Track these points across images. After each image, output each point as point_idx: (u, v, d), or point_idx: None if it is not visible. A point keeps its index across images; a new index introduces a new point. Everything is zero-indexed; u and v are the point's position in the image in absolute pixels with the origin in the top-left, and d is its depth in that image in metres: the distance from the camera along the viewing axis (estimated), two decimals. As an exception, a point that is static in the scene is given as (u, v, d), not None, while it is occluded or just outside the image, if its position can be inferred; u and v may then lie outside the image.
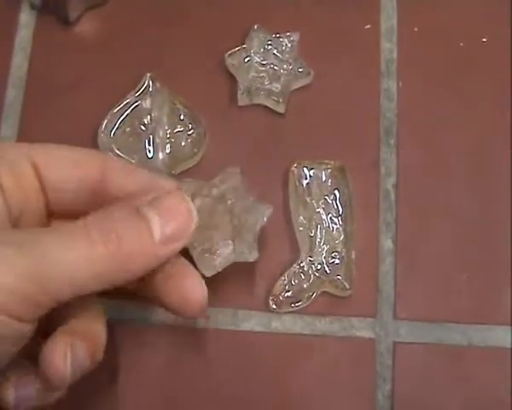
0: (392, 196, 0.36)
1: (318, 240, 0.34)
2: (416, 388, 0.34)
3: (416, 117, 0.37)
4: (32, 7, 0.38)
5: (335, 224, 0.34)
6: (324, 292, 0.34)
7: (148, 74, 0.36)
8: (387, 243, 0.35)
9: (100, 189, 0.27)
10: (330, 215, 0.35)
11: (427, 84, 0.38)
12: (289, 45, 0.37)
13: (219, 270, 0.31)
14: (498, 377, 0.34)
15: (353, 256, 0.34)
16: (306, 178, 0.35)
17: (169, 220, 0.25)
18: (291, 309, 0.34)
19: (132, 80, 0.36)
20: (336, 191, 0.35)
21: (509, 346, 0.34)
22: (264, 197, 0.33)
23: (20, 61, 0.38)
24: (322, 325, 0.34)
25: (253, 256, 0.32)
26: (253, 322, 0.34)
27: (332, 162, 0.35)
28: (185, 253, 0.29)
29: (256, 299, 0.34)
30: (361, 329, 0.34)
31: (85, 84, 0.37)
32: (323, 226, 0.34)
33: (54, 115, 0.37)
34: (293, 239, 0.35)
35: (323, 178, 0.35)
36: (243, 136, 0.37)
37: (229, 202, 0.32)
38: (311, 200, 0.35)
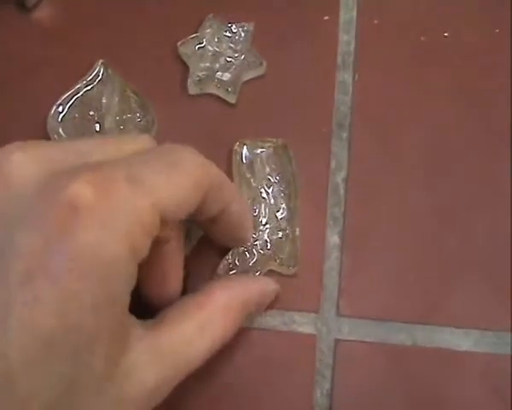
0: (342, 191, 0.35)
1: (262, 218, 0.34)
2: (356, 387, 0.33)
3: (370, 111, 0.36)
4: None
5: (279, 201, 0.34)
6: (271, 271, 0.34)
7: (101, 61, 0.36)
8: (334, 239, 0.35)
9: None
10: (273, 193, 0.34)
11: (385, 79, 0.37)
12: (243, 35, 0.36)
13: None
14: (442, 379, 0.33)
15: (297, 233, 0.34)
16: (248, 157, 0.35)
17: None
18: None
19: (88, 67, 0.36)
20: (279, 169, 0.35)
21: (453, 348, 0.33)
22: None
23: (-24, 46, 0.38)
24: (263, 319, 0.34)
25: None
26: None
27: (274, 140, 0.35)
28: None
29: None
30: (302, 324, 0.34)
31: (41, 71, 0.37)
32: (267, 204, 0.34)
33: (8, 101, 0.37)
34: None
35: (266, 157, 0.35)
36: (193, 125, 0.36)
37: None
38: (254, 179, 0.34)
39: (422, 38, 0.37)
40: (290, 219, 0.34)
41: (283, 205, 0.34)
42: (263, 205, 0.34)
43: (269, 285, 0.32)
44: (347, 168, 0.35)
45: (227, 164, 0.35)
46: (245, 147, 0.35)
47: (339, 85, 0.37)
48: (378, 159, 0.36)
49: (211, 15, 0.36)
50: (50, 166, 0.24)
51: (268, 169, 0.34)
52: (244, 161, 0.34)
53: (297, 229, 0.34)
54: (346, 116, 0.36)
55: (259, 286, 0.32)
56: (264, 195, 0.34)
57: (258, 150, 0.35)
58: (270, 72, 0.37)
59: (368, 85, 0.37)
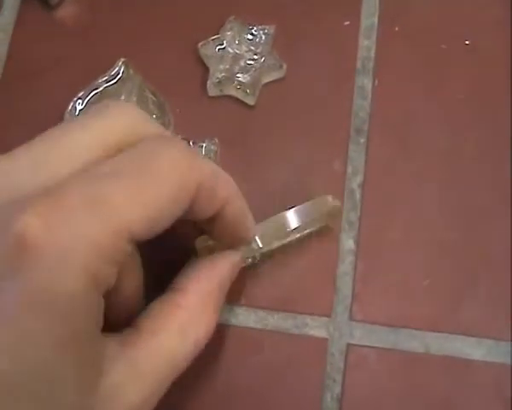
0: (358, 196, 0.35)
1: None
2: (366, 393, 0.33)
3: (389, 117, 0.36)
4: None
5: None
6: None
7: (122, 59, 0.36)
8: (349, 243, 0.35)
9: None
10: None
11: (404, 85, 0.37)
12: (264, 38, 0.36)
13: None
14: (453, 388, 0.33)
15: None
16: None
17: None
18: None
19: (108, 66, 0.37)
20: None
21: (464, 356, 0.33)
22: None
23: (0, 42, 0.39)
24: (275, 321, 0.34)
25: None
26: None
27: None
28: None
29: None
30: (314, 328, 0.34)
31: (63, 67, 0.38)
32: None
33: (30, 95, 0.38)
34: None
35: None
36: (211, 126, 0.36)
37: None
38: None
39: (443, 46, 0.37)
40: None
41: None
42: None
43: (236, 256, 0.29)
44: (364, 174, 0.35)
45: (245, 163, 0.36)
46: None
47: (358, 90, 0.37)
48: (395, 165, 0.36)
49: (232, 17, 0.37)
50: (2, 193, 0.22)
51: None
52: None
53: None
54: (364, 121, 0.36)
55: (229, 262, 0.29)
56: None
57: None
58: (289, 75, 0.37)
59: (387, 91, 0.37)
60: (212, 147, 0.35)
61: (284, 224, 0.32)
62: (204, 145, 0.35)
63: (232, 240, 0.29)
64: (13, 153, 0.23)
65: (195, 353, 0.26)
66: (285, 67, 0.36)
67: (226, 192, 0.26)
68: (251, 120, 0.37)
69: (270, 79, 0.37)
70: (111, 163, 0.22)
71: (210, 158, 0.35)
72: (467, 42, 0.37)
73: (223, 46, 0.36)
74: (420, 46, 0.37)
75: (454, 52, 0.37)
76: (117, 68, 0.36)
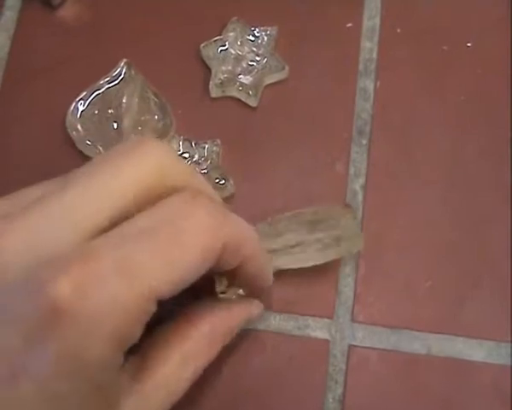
0: (360, 197, 0.35)
1: None
2: (368, 394, 0.33)
3: (391, 119, 0.36)
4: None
5: None
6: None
7: (124, 60, 0.36)
8: (351, 244, 0.35)
9: None
10: None
11: (406, 87, 0.37)
12: (266, 39, 0.36)
13: None
14: (455, 389, 0.33)
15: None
16: None
17: None
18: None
19: (110, 67, 0.37)
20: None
21: (465, 358, 0.33)
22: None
23: (2, 42, 0.38)
24: (277, 322, 0.34)
25: None
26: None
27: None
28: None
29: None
30: (316, 329, 0.34)
31: (64, 67, 0.38)
32: None
33: (31, 96, 0.38)
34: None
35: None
36: (213, 127, 0.36)
37: None
38: None
39: (445, 48, 0.37)
40: None
41: None
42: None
43: (253, 309, 0.31)
44: (366, 175, 0.35)
45: (247, 164, 0.36)
46: None
47: (360, 92, 0.37)
48: (397, 167, 0.36)
49: (234, 19, 0.37)
50: (34, 250, 0.22)
51: None
52: None
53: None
54: (366, 123, 0.36)
55: (245, 311, 0.30)
56: None
57: None
58: (291, 76, 0.37)
59: (389, 93, 0.37)
60: (215, 148, 0.35)
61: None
62: (206, 146, 0.35)
63: (249, 287, 0.31)
64: (44, 200, 0.22)
65: (191, 382, 0.27)
66: (287, 68, 0.36)
67: (250, 251, 0.26)
68: (253, 121, 0.37)
69: (273, 81, 0.37)
70: (140, 223, 0.23)
71: (212, 159, 0.35)
72: (468, 44, 0.37)
73: (225, 47, 0.36)
74: (422, 48, 0.37)
75: (456, 54, 0.37)
76: (119, 69, 0.36)
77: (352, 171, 0.36)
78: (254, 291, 0.31)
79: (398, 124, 0.36)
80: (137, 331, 0.22)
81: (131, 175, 0.23)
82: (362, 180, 0.36)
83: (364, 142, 0.36)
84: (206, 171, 0.35)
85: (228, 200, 0.35)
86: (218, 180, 0.35)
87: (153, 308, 0.22)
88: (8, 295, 0.21)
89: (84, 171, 0.23)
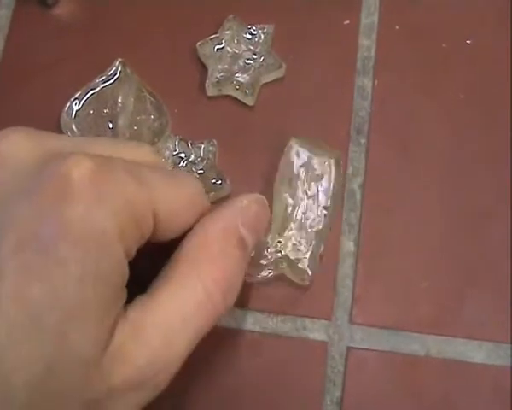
0: (358, 197, 0.35)
1: (293, 223, 0.33)
2: (367, 396, 0.33)
3: (389, 118, 0.36)
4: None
5: (315, 212, 0.33)
6: (282, 276, 0.33)
7: (119, 59, 0.36)
8: (349, 245, 0.34)
9: None
10: (313, 202, 0.34)
11: (405, 85, 0.37)
12: (263, 37, 0.36)
13: None
14: (454, 391, 0.32)
15: (322, 250, 0.33)
16: (301, 158, 0.34)
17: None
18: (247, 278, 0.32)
19: (106, 65, 0.36)
20: (327, 181, 0.34)
21: (466, 359, 0.33)
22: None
23: (-4, 41, 0.38)
24: (274, 324, 0.33)
25: None
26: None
27: (329, 149, 0.34)
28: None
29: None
30: (314, 331, 0.33)
31: (60, 67, 0.38)
32: (303, 211, 0.33)
33: (25, 95, 0.37)
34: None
35: (318, 163, 0.34)
36: (210, 126, 0.36)
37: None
38: (300, 181, 0.34)
39: (444, 45, 0.37)
40: (319, 232, 0.33)
41: (318, 217, 0.33)
42: (298, 210, 0.33)
43: (245, 199, 0.28)
44: (364, 174, 0.35)
45: (243, 163, 0.35)
46: (300, 147, 0.34)
47: (358, 90, 0.36)
48: (395, 166, 0.35)
49: (231, 16, 0.36)
50: (47, 147, 0.24)
51: (316, 177, 0.34)
52: (295, 160, 0.34)
53: (322, 246, 0.33)
54: (364, 122, 0.36)
55: (235, 207, 0.27)
56: (304, 201, 0.34)
57: (311, 155, 0.34)
58: (289, 74, 0.37)
59: (387, 91, 0.36)
60: (211, 148, 0.35)
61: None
62: (202, 146, 0.35)
63: None
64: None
65: (219, 309, 0.25)
66: (284, 66, 0.36)
67: (188, 218, 0.26)
68: (250, 120, 0.36)
69: (270, 79, 0.36)
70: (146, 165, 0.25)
71: (209, 159, 0.35)
72: (468, 41, 0.37)
73: (221, 46, 0.36)
74: (420, 45, 0.37)
75: (455, 52, 0.37)
76: (114, 68, 0.36)
77: (350, 170, 0.35)
78: None
79: (397, 123, 0.36)
80: (136, 237, 0.23)
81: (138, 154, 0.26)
82: (360, 179, 0.35)
83: (363, 141, 0.36)
84: (202, 171, 0.34)
85: (225, 200, 0.35)
86: (214, 180, 0.34)
87: (151, 223, 0.24)
88: (26, 178, 0.23)
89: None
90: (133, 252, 0.23)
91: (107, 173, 0.23)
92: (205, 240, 0.26)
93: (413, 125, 0.36)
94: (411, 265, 0.34)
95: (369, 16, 0.38)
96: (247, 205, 0.27)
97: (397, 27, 0.37)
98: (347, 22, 0.37)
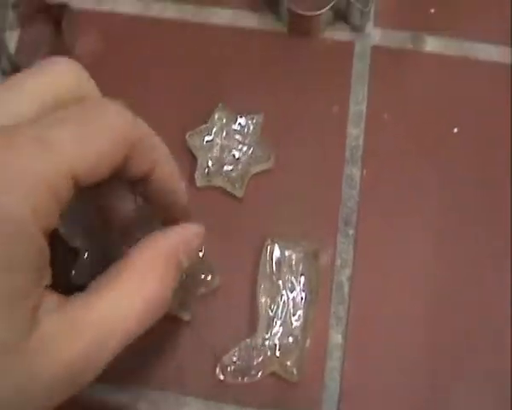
0: (346, 290, 0.35)
1: (277, 321, 0.34)
2: None
3: (378, 208, 0.36)
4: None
5: (297, 307, 0.34)
6: (273, 373, 0.34)
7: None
8: (337, 338, 0.35)
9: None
10: (294, 298, 0.34)
11: (393, 175, 0.37)
12: (252, 128, 0.36)
13: None
14: None
15: (308, 344, 0.34)
16: (278, 256, 0.35)
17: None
18: (237, 381, 0.34)
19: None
20: (306, 275, 0.34)
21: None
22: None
23: None
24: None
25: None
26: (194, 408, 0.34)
27: (306, 244, 0.35)
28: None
29: (204, 367, 0.34)
30: (304, 424, 0.34)
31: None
32: (285, 307, 0.34)
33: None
34: (254, 312, 0.35)
35: (295, 259, 0.34)
36: (198, 216, 0.36)
37: None
38: (279, 278, 0.34)
39: (431, 135, 0.37)
40: (304, 328, 0.34)
41: (300, 312, 0.34)
42: (280, 307, 0.34)
43: (191, 230, 0.30)
44: (353, 266, 0.35)
45: (232, 256, 0.35)
46: (276, 245, 0.34)
47: (346, 180, 0.37)
48: (384, 258, 0.36)
49: (220, 105, 0.37)
50: None
51: (295, 272, 0.34)
52: (274, 258, 0.34)
53: (308, 340, 0.34)
54: (352, 212, 0.36)
55: (182, 235, 0.30)
56: (285, 297, 0.34)
57: (290, 251, 0.34)
58: (277, 164, 0.37)
59: (376, 181, 0.37)
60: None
61: None
62: None
63: (166, 203, 0.30)
64: None
65: (147, 315, 0.26)
66: (273, 158, 0.36)
67: (159, 154, 0.28)
68: (238, 211, 0.36)
69: (258, 170, 0.36)
70: (59, 113, 0.24)
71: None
72: (455, 130, 0.37)
73: (211, 137, 0.36)
74: (409, 134, 0.37)
75: (443, 140, 0.37)
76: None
77: (338, 262, 0.36)
78: (171, 207, 0.30)
79: (386, 213, 0.36)
80: (54, 209, 0.23)
81: (53, 79, 0.26)
82: (348, 271, 0.35)
83: (351, 232, 0.36)
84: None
85: (215, 292, 0.35)
86: (204, 275, 0.34)
87: (70, 187, 0.23)
88: None
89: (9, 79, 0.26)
90: (54, 223, 0.23)
91: (12, 153, 0.22)
92: (152, 257, 0.27)
93: (402, 215, 0.36)
94: (399, 360, 0.34)
95: (358, 104, 0.38)
96: (190, 239, 0.30)
97: (385, 116, 0.38)
98: (336, 110, 0.38)
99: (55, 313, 0.23)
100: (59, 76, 0.26)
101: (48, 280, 0.23)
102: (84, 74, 0.27)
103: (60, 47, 0.38)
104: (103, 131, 0.24)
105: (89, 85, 0.27)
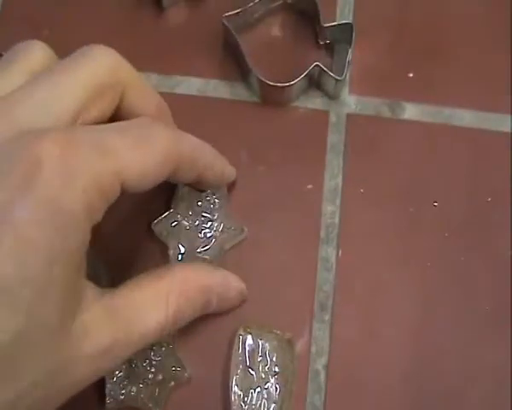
0: (322, 378, 0.34)
1: None
2: None
3: (354, 290, 0.35)
4: None
5: (272, 400, 0.33)
6: None
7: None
8: (313, 430, 0.33)
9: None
10: (268, 389, 0.33)
11: (370, 254, 0.35)
12: (217, 202, 0.34)
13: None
14: None
15: None
16: (251, 345, 0.33)
17: None
18: None
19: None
20: (280, 364, 0.33)
21: None
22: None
23: None
24: None
25: None
26: None
27: (280, 333, 0.34)
28: None
29: None
30: None
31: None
32: (259, 399, 0.33)
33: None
34: (227, 404, 0.33)
35: (268, 349, 0.33)
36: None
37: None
38: (252, 369, 0.33)
39: (410, 209, 0.36)
40: None
41: (275, 405, 0.33)
42: (254, 399, 0.33)
43: (232, 280, 0.33)
44: (329, 354, 0.34)
45: (204, 345, 0.34)
46: (249, 335, 0.33)
47: (322, 262, 0.35)
48: (361, 343, 0.34)
49: (183, 187, 0.34)
50: (17, 125, 0.25)
51: (269, 362, 0.33)
52: (247, 348, 0.33)
53: None
54: (328, 296, 0.35)
55: (222, 277, 0.33)
56: (259, 389, 0.33)
57: (263, 340, 0.33)
58: (248, 244, 0.35)
59: (352, 262, 0.35)
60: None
61: None
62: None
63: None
64: (13, 95, 0.26)
65: (164, 326, 0.28)
66: (246, 229, 0.35)
67: (205, 164, 0.31)
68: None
69: (234, 243, 0.35)
70: (117, 124, 0.27)
71: (168, 345, 0.33)
72: (435, 203, 0.36)
73: (177, 220, 0.34)
74: (386, 210, 0.36)
75: (422, 215, 0.36)
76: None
77: (313, 349, 0.34)
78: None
79: (363, 295, 0.35)
80: (103, 207, 0.25)
81: (90, 70, 0.27)
82: (324, 359, 0.34)
83: (327, 317, 0.35)
84: (160, 358, 0.33)
85: (186, 385, 0.34)
86: (173, 368, 0.33)
87: (118, 191, 0.25)
88: None
89: (46, 74, 0.27)
90: (100, 219, 0.25)
91: (74, 153, 0.24)
92: (188, 282, 0.30)
93: (380, 297, 0.35)
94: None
95: (333, 179, 0.36)
96: (231, 288, 0.33)
97: (361, 190, 0.36)
98: (310, 186, 0.36)
99: (98, 303, 0.26)
100: (95, 65, 0.27)
101: (85, 266, 0.26)
102: (121, 59, 0.28)
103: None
104: (154, 148, 0.27)
105: (126, 70, 0.28)
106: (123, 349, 0.27)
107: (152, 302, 0.28)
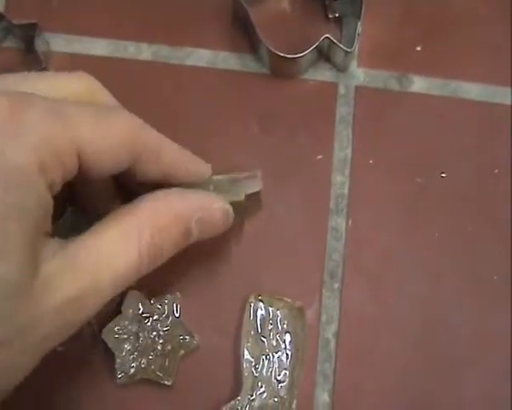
0: (332, 346, 0.34)
1: (262, 380, 0.33)
2: None
3: (363, 260, 0.35)
4: None
5: (282, 367, 0.33)
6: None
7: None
8: (323, 397, 0.34)
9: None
10: (279, 357, 0.33)
11: (379, 224, 0.36)
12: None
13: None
14: None
15: (294, 406, 0.33)
16: (262, 314, 0.34)
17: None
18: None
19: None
20: (290, 333, 0.33)
21: None
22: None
23: None
24: None
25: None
26: None
27: (291, 301, 0.34)
28: None
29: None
30: None
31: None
32: (270, 368, 0.33)
33: None
34: (238, 372, 0.34)
35: (279, 317, 0.33)
36: None
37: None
38: (263, 337, 0.33)
39: (418, 180, 0.36)
40: (290, 388, 0.33)
41: (286, 372, 0.33)
42: (266, 367, 0.33)
43: (213, 201, 0.29)
44: (339, 322, 0.34)
45: (214, 314, 0.35)
46: (260, 303, 0.33)
47: (331, 231, 0.35)
48: (371, 312, 0.35)
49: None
50: None
51: (280, 330, 0.33)
52: (258, 315, 0.33)
53: (295, 401, 0.33)
54: (338, 265, 0.35)
55: (199, 199, 0.29)
56: (270, 356, 0.33)
57: (274, 308, 0.33)
58: (260, 217, 0.35)
59: (361, 231, 0.35)
60: (174, 305, 0.34)
61: None
62: (166, 302, 0.34)
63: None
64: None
65: (139, 266, 0.26)
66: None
67: (170, 162, 0.28)
68: (220, 270, 0.35)
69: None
70: (77, 101, 0.25)
71: (174, 315, 0.34)
72: (443, 174, 0.36)
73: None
74: (395, 181, 0.36)
75: (430, 186, 0.36)
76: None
77: (323, 318, 0.35)
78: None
79: (372, 265, 0.35)
80: (58, 172, 0.24)
81: (64, 84, 0.27)
82: (334, 327, 0.35)
83: (336, 285, 0.35)
84: (168, 328, 0.34)
85: (196, 354, 0.34)
86: (181, 337, 0.34)
87: (75, 162, 0.24)
88: None
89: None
90: (58, 186, 0.24)
91: (24, 111, 0.23)
92: (159, 211, 0.27)
93: (388, 266, 0.35)
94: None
95: (343, 150, 0.36)
96: (212, 210, 0.29)
97: (371, 161, 0.36)
98: (320, 157, 0.36)
99: (57, 255, 0.24)
100: (70, 82, 0.27)
101: (49, 228, 0.24)
102: (96, 83, 0.28)
103: (33, 66, 0.37)
104: (116, 128, 0.25)
105: (101, 94, 0.28)
106: (92, 298, 0.25)
107: (121, 242, 0.26)
